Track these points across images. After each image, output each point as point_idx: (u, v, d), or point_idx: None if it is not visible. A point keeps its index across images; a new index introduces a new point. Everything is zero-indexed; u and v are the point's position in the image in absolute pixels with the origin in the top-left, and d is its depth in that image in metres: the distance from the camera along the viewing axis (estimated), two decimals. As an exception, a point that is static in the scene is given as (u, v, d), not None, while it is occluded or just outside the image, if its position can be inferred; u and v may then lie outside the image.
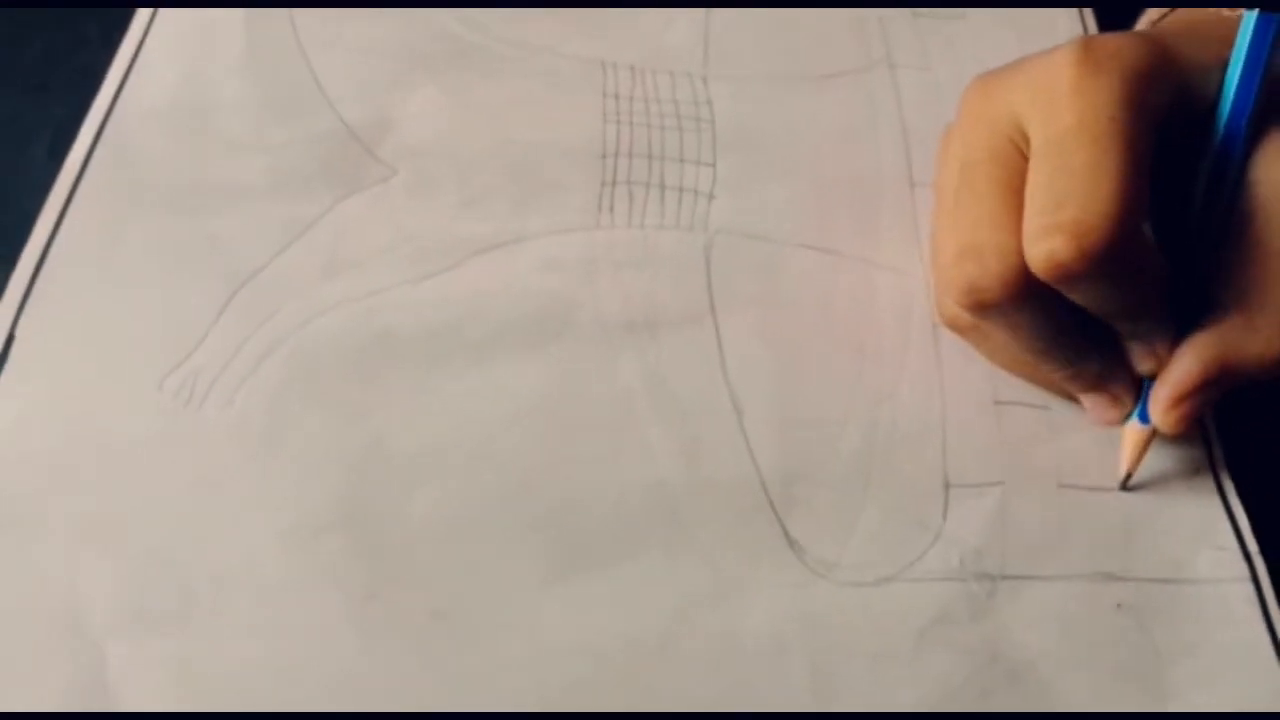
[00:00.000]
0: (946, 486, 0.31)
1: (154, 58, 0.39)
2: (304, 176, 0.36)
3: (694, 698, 0.27)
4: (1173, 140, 0.29)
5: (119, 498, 0.29)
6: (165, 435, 0.31)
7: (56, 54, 0.39)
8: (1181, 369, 0.29)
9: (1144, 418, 0.30)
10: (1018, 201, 0.27)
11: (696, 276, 0.35)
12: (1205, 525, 0.31)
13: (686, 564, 0.29)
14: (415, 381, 0.32)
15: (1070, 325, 0.29)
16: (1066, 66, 0.27)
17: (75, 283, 0.33)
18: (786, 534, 0.30)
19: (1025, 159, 0.28)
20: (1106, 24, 0.42)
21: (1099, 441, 0.32)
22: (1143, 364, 0.30)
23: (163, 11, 0.40)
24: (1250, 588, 0.30)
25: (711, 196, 0.37)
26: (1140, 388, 0.31)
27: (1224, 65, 0.29)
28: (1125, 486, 0.31)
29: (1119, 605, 0.29)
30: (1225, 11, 0.31)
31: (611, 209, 0.36)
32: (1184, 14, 0.33)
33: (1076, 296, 0.28)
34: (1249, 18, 0.29)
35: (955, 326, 0.32)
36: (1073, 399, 0.32)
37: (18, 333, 0.32)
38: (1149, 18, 0.35)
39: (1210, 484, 0.32)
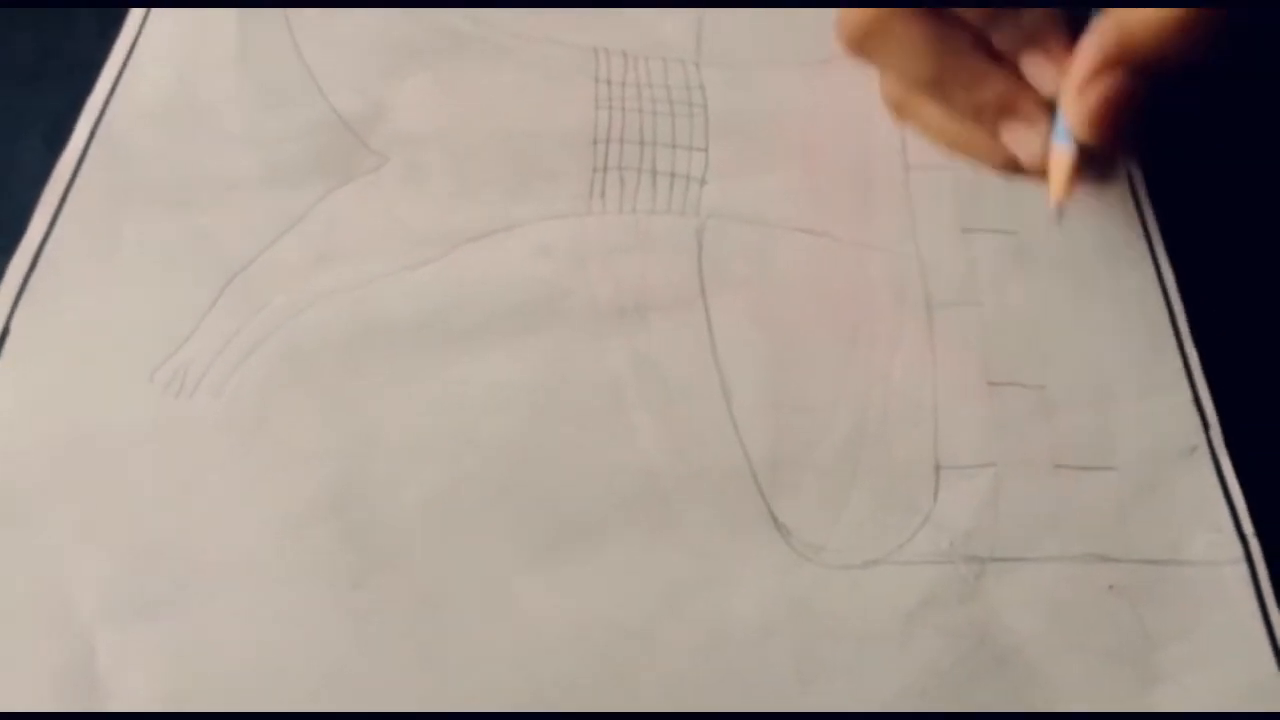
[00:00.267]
0: (937, 469, 0.31)
1: (149, 51, 0.39)
2: (296, 168, 0.36)
3: (680, 681, 0.27)
4: None
5: (110, 488, 0.30)
6: (156, 426, 0.31)
7: (51, 46, 0.39)
8: (1080, 54, 0.28)
9: (1063, 138, 0.29)
10: None
11: (688, 261, 0.35)
12: (1201, 507, 0.31)
13: (673, 548, 0.29)
14: (405, 370, 0.32)
15: (958, 49, 0.29)
16: None
17: (69, 277, 0.33)
18: (774, 517, 0.30)
19: None
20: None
21: (1095, 421, 0.32)
22: (1043, 75, 0.30)
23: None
24: (1245, 569, 0.30)
25: (704, 181, 0.37)
26: (1051, 111, 0.30)
27: None
28: (1059, 219, 0.31)
29: (1111, 587, 0.29)
30: None
31: (603, 195, 0.36)
32: None
33: None
34: None
35: (893, 106, 0.33)
36: (1009, 165, 0.32)
37: (13, 326, 0.32)
38: None
39: (1208, 465, 0.31)
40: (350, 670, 0.27)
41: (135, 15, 0.40)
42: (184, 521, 0.29)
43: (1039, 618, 0.28)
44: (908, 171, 0.37)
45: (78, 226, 0.35)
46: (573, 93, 0.38)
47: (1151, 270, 0.35)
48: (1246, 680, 0.28)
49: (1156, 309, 0.34)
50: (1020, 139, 0.31)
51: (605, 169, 0.37)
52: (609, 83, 0.39)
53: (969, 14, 0.29)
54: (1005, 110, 0.30)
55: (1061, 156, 0.30)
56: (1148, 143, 0.33)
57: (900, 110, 0.34)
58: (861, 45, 0.30)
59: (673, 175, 0.37)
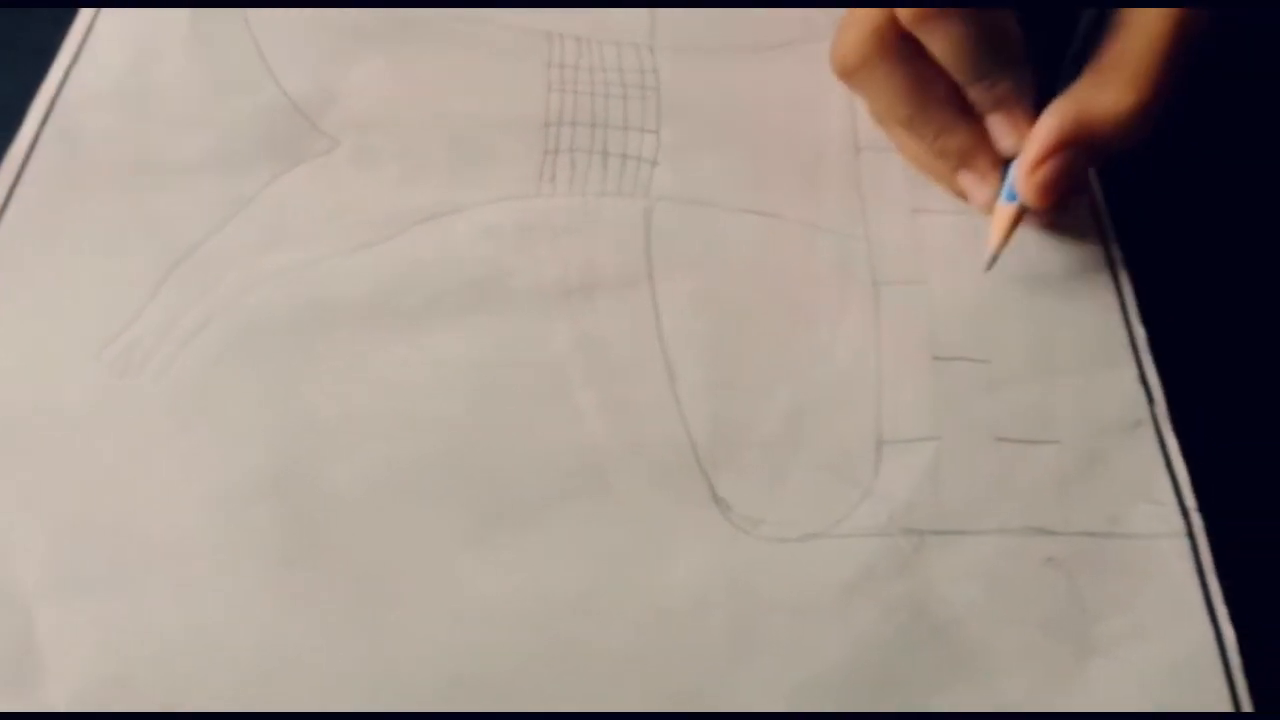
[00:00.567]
0: (880, 443, 0.31)
1: (103, 36, 0.39)
2: (247, 151, 0.36)
3: (617, 655, 0.27)
4: None
5: (52, 465, 0.30)
6: (101, 405, 0.31)
7: (5, 37, 0.39)
8: (1039, 130, 0.31)
9: (1011, 197, 0.32)
10: None
11: (636, 242, 0.35)
12: (1143, 481, 0.31)
13: (610, 524, 0.29)
14: (348, 351, 0.32)
15: (934, 98, 0.32)
16: None
17: (20, 260, 0.34)
18: (714, 492, 0.30)
19: None
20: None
21: (1039, 396, 0.32)
22: (1004, 138, 0.32)
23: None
24: (1185, 543, 0.29)
25: (655, 163, 0.37)
26: (1006, 169, 0.33)
27: None
28: (990, 267, 0.33)
29: (1049, 560, 0.29)
30: None
31: (553, 177, 0.36)
32: None
33: (935, 44, 0.30)
34: None
35: (871, 117, 0.36)
36: (962, 197, 0.35)
37: (-37, 305, 0.32)
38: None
39: (1152, 440, 0.31)
40: (286, 648, 0.27)
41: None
42: (124, 499, 0.29)
43: (977, 590, 0.28)
44: (858, 154, 0.37)
45: (29, 209, 0.35)
46: (525, 76, 0.38)
47: (1099, 247, 0.35)
48: (1183, 653, 0.28)
49: (1104, 285, 0.34)
50: (973, 189, 0.34)
51: (556, 151, 0.37)
52: (562, 66, 0.39)
53: (949, 68, 0.31)
54: (965, 160, 0.33)
55: (1005, 213, 0.33)
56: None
57: (879, 124, 0.36)
58: (848, 78, 0.33)
59: (624, 157, 0.37)
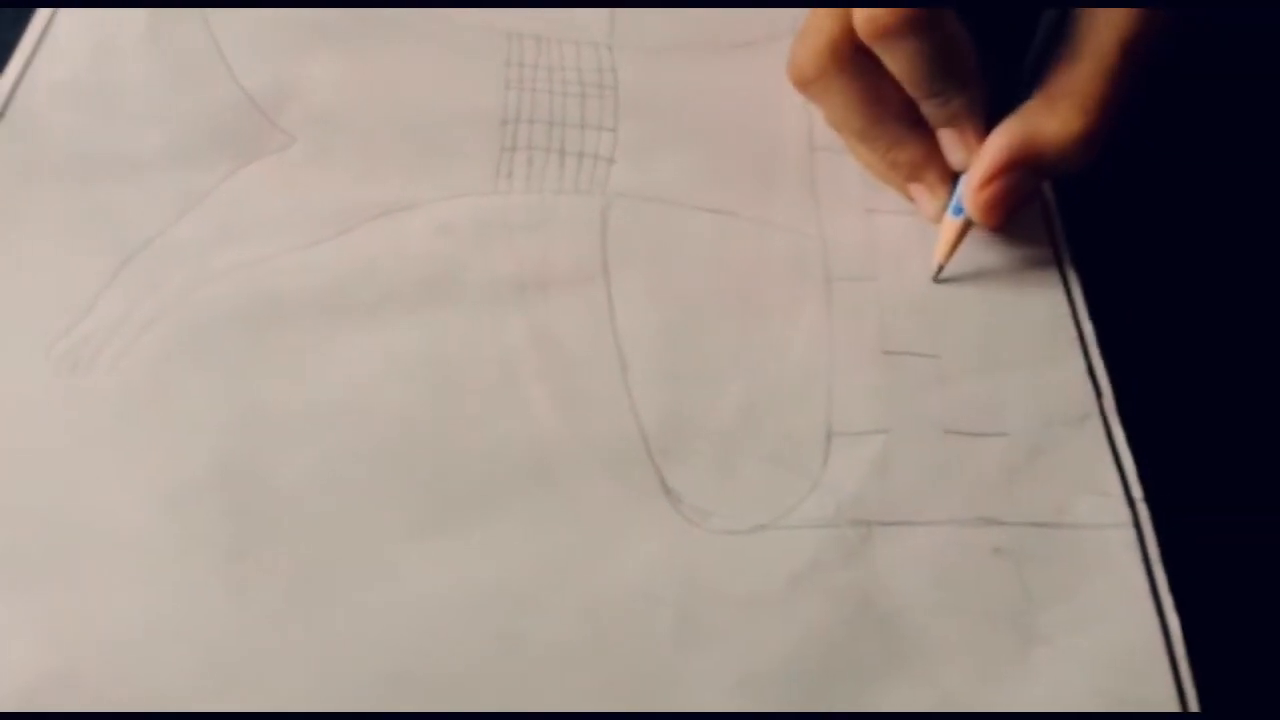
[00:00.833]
0: (829, 436, 0.31)
1: (61, 35, 0.39)
2: (203, 146, 0.36)
3: (556, 647, 0.27)
4: None
5: (-1, 459, 0.29)
6: (49, 400, 0.31)
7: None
8: (988, 150, 0.32)
9: (958, 211, 0.33)
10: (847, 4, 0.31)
11: (591, 238, 0.35)
12: (1091, 472, 0.31)
13: (559, 515, 0.29)
14: (298, 345, 0.32)
15: (888, 111, 0.33)
16: None
17: (-30, 253, 0.33)
18: (664, 484, 0.30)
19: None
20: None
21: (988, 390, 0.32)
22: (954, 154, 0.33)
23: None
24: (1131, 533, 0.30)
25: (612, 161, 0.37)
26: (956, 184, 0.33)
27: None
28: (937, 279, 0.34)
29: (996, 550, 0.29)
30: None
31: (510, 174, 0.36)
32: None
33: (892, 60, 0.31)
34: None
35: (831, 127, 0.36)
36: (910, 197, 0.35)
37: (-89, 300, 0.32)
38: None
39: (1100, 433, 0.32)
40: (232, 642, 0.27)
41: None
42: (70, 494, 0.29)
43: (923, 580, 0.28)
44: (814, 153, 0.38)
45: (-20, 205, 0.34)
46: (483, 74, 0.39)
47: (1048, 244, 0.35)
48: (1128, 642, 0.28)
49: (1052, 281, 0.34)
50: (923, 201, 0.35)
51: (514, 149, 0.37)
52: (520, 65, 0.39)
53: (904, 84, 0.32)
54: (915, 173, 0.34)
55: (952, 226, 0.33)
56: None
57: (836, 132, 0.36)
58: (804, 88, 0.34)
59: (581, 155, 0.37)
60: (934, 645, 0.28)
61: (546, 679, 0.27)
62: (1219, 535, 0.30)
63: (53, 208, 0.35)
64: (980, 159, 0.32)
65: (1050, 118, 0.31)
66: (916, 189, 0.35)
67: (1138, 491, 0.30)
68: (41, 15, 0.39)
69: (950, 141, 0.33)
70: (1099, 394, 0.32)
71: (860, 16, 0.30)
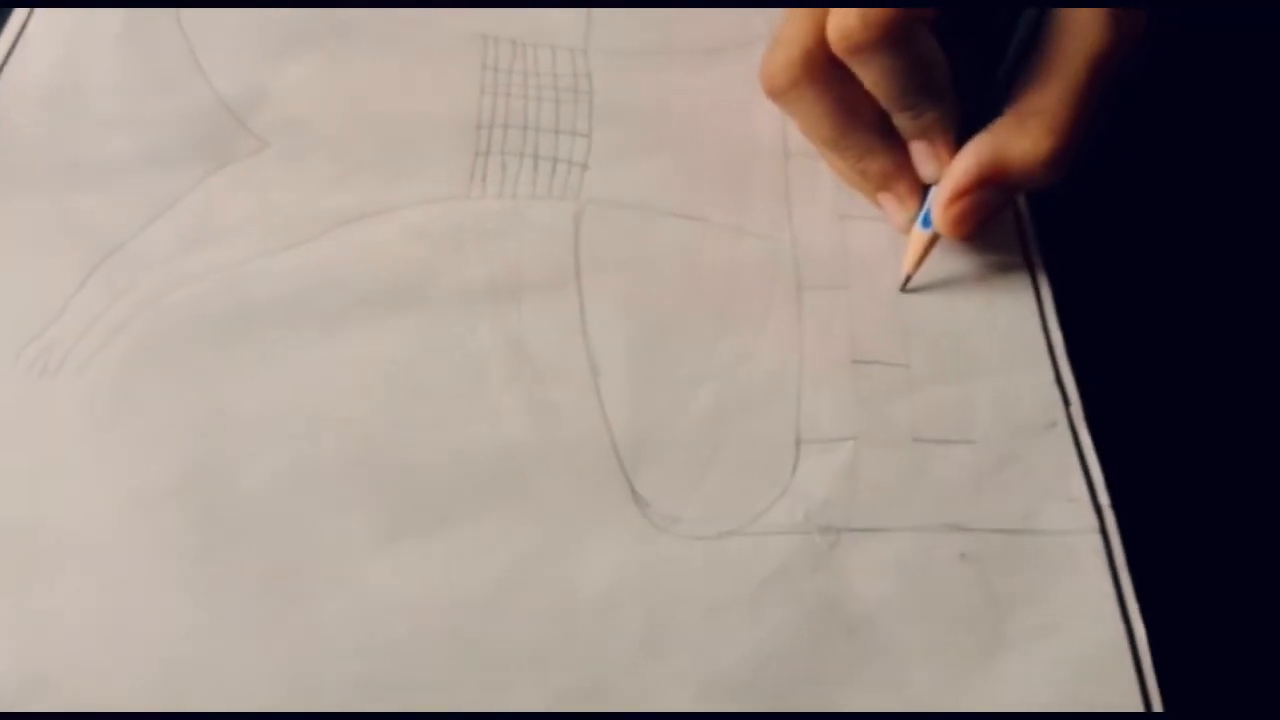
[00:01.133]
0: (798, 443, 0.31)
1: (36, 36, 0.39)
2: (175, 151, 0.36)
3: (522, 652, 0.27)
4: None
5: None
6: (15, 405, 0.31)
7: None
8: (958, 166, 0.32)
9: (927, 223, 0.33)
10: (822, 12, 0.31)
11: (564, 244, 0.35)
12: (1058, 479, 0.31)
13: (527, 521, 0.29)
14: (266, 350, 0.32)
15: (860, 122, 0.33)
16: None
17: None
18: (633, 490, 0.30)
19: None
20: None
21: (957, 398, 0.32)
22: (925, 167, 0.33)
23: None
24: (1098, 539, 0.30)
25: (585, 167, 0.37)
26: (926, 196, 0.34)
27: None
28: (905, 289, 0.34)
29: (962, 556, 0.29)
30: None
31: (484, 179, 0.36)
32: None
33: (865, 75, 0.31)
34: None
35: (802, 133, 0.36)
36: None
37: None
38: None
39: (1068, 440, 0.32)
40: (198, 646, 0.27)
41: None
42: (35, 499, 0.29)
43: (890, 586, 0.29)
44: (787, 159, 0.38)
45: (-50, 208, 0.34)
46: (458, 79, 0.39)
47: (1019, 251, 0.35)
48: (1094, 648, 0.28)
49: (1022, 289, 0.35)
50: (893, 212, 0.35)
51: (488, 153, 0.37)
52: (496, 69, 0.39)
53: (877, 97, 0.32)
54: (886, 183, 0.34)
55: (920, 238, 0.34)
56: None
57: (808, 139, 0.36)
58: (776, 98, 0.34)
59: (555, 160, 0.37)
60: (901, 651, 0.28)
61: (514, 684, 0.27)
62: (1185, 541, 0.31)
63: (23, 210, 0.34)
64: (950, 175, 0.32)
65: (1021, 137, 0.31)
66: (886, 199, 0.35)
67: (1105, 498, 0.31)
68: (16, 17, 0.39)
69: (922, 154, 0.34)
70: (1067, 401, 0.32)
71: (834, 32, 0.30)
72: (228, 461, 0.30)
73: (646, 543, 0.29)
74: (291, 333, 0.32)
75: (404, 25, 0.40)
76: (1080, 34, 0.30)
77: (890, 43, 0.30)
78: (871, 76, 0.31)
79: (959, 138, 0.33)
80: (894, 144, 0.34)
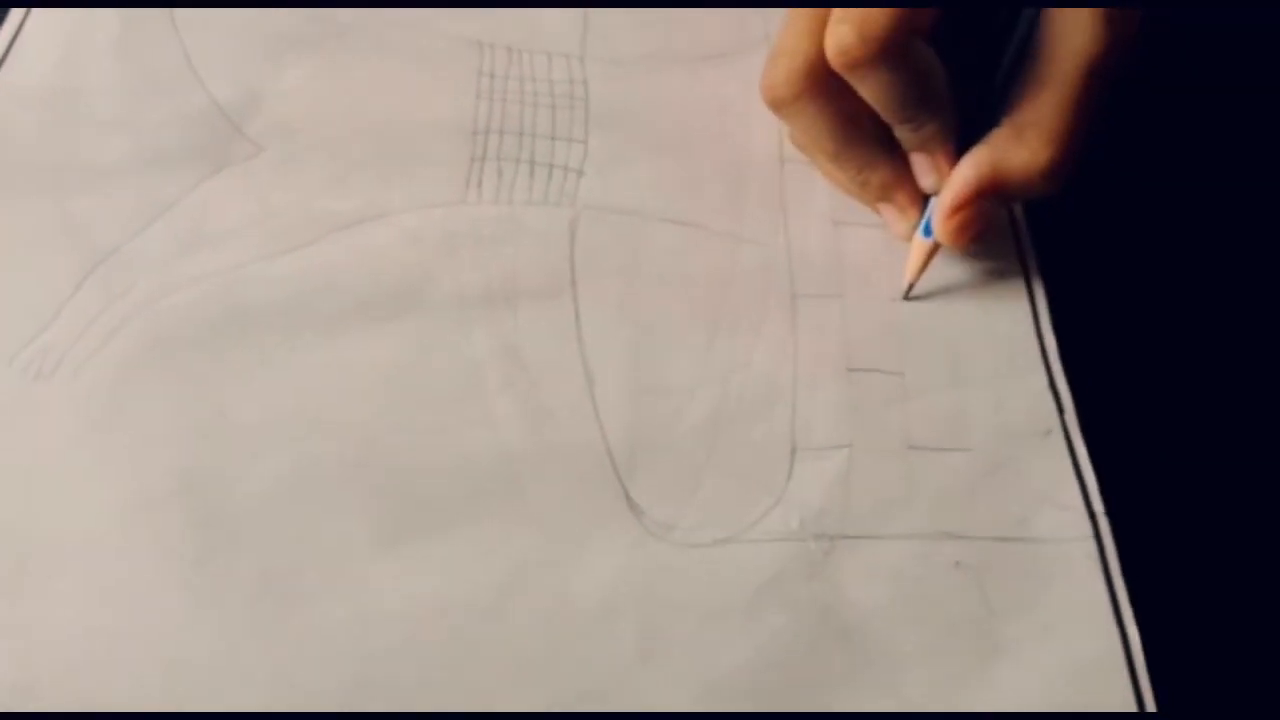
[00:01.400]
0: (793, 451, 0.31)
1: (32, 37, 0.39)
2: (171, 155, 0.36)
3: (518, 657, 0.27)
4: None
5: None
6: (11, 408, 0.30)
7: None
8: (958, 178, 0.32)
9: (928, 232, 0.33)
10: (823, 19, 0.31)
11: (559, 251, 0.35)
12: (1052, 487, 0.31)
13: (522, 528, 0.29)
14: (262, 355, 0.32)
15: (861, 133, 0.33)
16: None
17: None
18: (628, 497, 0.30)
19: None
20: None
21: (952, 406, 0.32)
22: (925, 178, 0.34)
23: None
24: (1093, 546, 0.30)
25: (581, 173, 0.37)
26: (926, 205, 0.34)
27: None
28: (907, 297, 0.34)
29: (957, 563, 0.29)
30: None
31: (480, 185, 0.36)
32: None
33: (864, 89, 0.31)
34: None
35: (793, 142, 0.37)
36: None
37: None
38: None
39: (1062, 448, 0.32)
40: (190, 647, 0.27)
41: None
42: (30, 502, 0.29)
43: (884, 593, 0.29)
44: (782, 165, 0.38)
45: (-55, 212, 0.34)
46: (454, 84, 0.39)
47: (1014, 258, 0.35)
48: (1089, 655, 0.28)
49: (1017, 296, 0.35)
50: (893, 221, 0.35)
51: (484, 159, 0.37)
52: (491, 75, 0.39)
53: (877, 110, 0.32)
54: (886, 194, 0.35)
55: (922, 247, 0.34)
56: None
57: (798, 147, 0.37)
58: (778, 110, 0.34)
59: (551, 166, 0.37)
60: (896, 658, 0.28)
61: (508, 689, 0.27)
62: (1179, 549, 0.31)
63: (19, 213, 0.34)
64: (949, 187, 0.32)
65: (1019, 148, 0.31)
66: (886, 209, 0.35)
67: (1099, 505, 0.31)
68: (12, 19, 0.39)
69: (922, 165, 0.34)
70: (1061, 409, 0.32)
71: (832, 48, 0.30)
72: (224, 465, 0.30)
73: (642, 549, 0.29)
74: (288, 337, 0.32)
75: (400, 30, 0.40)
76: (1073, 37, 0.31)
77: (888, 58, 0.30)
78: (870, 91, 0.31)
79: (958, 146, 0.33)
80: (894, 154, 0.34)
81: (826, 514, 0.30)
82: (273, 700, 0.27)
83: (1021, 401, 0.32)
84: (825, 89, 0.32)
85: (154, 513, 0.29)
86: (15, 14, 0.40)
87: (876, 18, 0.29)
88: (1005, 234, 0.36)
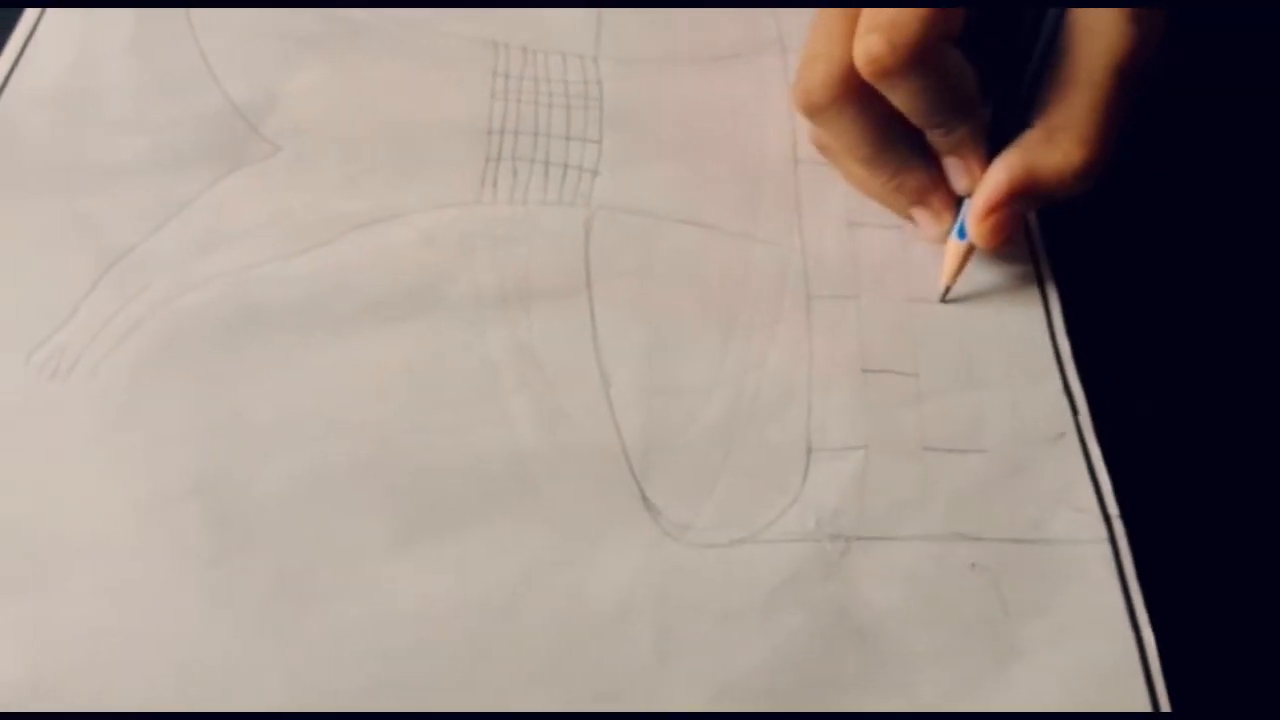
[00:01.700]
0: (809, 451, 0.31)
1: (47, 37, 0.39)
2: (187, 155, 0.36)
3: (535, 657, 0.27)
4: None
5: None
6: (27, 407, 0.31)
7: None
8: (991, 181, 0.32)
9: (962, 234, 0.33)
10: (855, 20, 0.31)
11: (574, 251, 0.35)
12: (1067, 489, 0.31)
13: (538, 528, 0.29)
14: (279, 354, 0.32)
15: (895, 138, 0.33)
16: None
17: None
18: (644, 497, 0.30)
19: None
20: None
21: (966, 407, 0.32)
22: (959, 181, 0.34)
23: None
24: (1107, 549, 0.30)
25: (595, 173, 0.37)
26: (960, 207, 0.34)
27: None
28: (944, 299, 0.34)
29: (973, 565, 0.29)
30: None
31: (495, 185, 0.36)
32: None
33: (895, 97, 0.31)
34: None
35: (817, 145, 0.36)
36: (908, 219, 0.36)
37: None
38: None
39: (1076, 450, 0.32)
40: (206, 647, 0.27)
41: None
42: (47, 501, 0.29)
43: (900, 594, 0.29)
44: (797, 166, 0.38)
45: (-38, 210, 0.34)
46: (469, 84, 0.39)
47: (1029, 262, 0.35)
48: (1104, 657, 0.28)
49: (1031, 299, 0.35)
50: (927, 225, 0.35)
51: (498, 159, 0.37)
52: (506, 75, 0.39)
53: (909, 116, 0.32)
54: (921, 198, 0.35)
55: (957, 249, 0.34)
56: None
57: (824, 153, 0.37)
58: (813, 116, 0.33)
59: (565, 166, 0.37)
60: (911, 659, 0.28)
61: (523, 690, 0.27)
62: (1194, 551, 0.31)
63: (35, 213, 0.34)
64: (983, 190, 0.32)
65: (1052, 150, 0.31)
66: (920, 213, 0.35)
67: (1113, 508, 0.31)
68: (27, 18, 0.39)
69: (955, 168, 0.34)
70: (1075, 411, 0.32)
71: (862, 58, 0.30)
72: (240, 465, 0.30)
73: (658, 550, 0.29)
74: (303, 337, 0.32)
75: (415, 30, 0.40)
76: (1101, 37, 0.30)
77: (919, 65, 0.30)
78: (901, 98, 0.31)
79: (990, 147, 0.33)
80: (927, 159, 0.34)
81: (842, 515, 0.30)
82: (287, 700, 0.27)
83: (1036, 404, 0.32)
84: (861, 95, 0.32)
85: (169, 512, 0.29)
86: (30, 14, 0.40)
87: (906, 26, 0.29)
88: (1019, 237, 0.36)
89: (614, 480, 0.30)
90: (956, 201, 0.34)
